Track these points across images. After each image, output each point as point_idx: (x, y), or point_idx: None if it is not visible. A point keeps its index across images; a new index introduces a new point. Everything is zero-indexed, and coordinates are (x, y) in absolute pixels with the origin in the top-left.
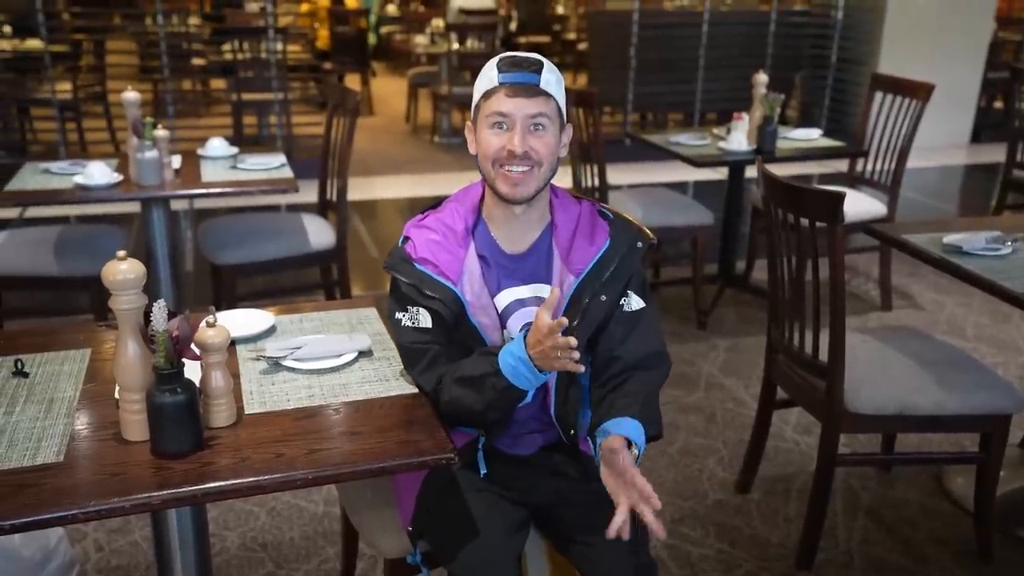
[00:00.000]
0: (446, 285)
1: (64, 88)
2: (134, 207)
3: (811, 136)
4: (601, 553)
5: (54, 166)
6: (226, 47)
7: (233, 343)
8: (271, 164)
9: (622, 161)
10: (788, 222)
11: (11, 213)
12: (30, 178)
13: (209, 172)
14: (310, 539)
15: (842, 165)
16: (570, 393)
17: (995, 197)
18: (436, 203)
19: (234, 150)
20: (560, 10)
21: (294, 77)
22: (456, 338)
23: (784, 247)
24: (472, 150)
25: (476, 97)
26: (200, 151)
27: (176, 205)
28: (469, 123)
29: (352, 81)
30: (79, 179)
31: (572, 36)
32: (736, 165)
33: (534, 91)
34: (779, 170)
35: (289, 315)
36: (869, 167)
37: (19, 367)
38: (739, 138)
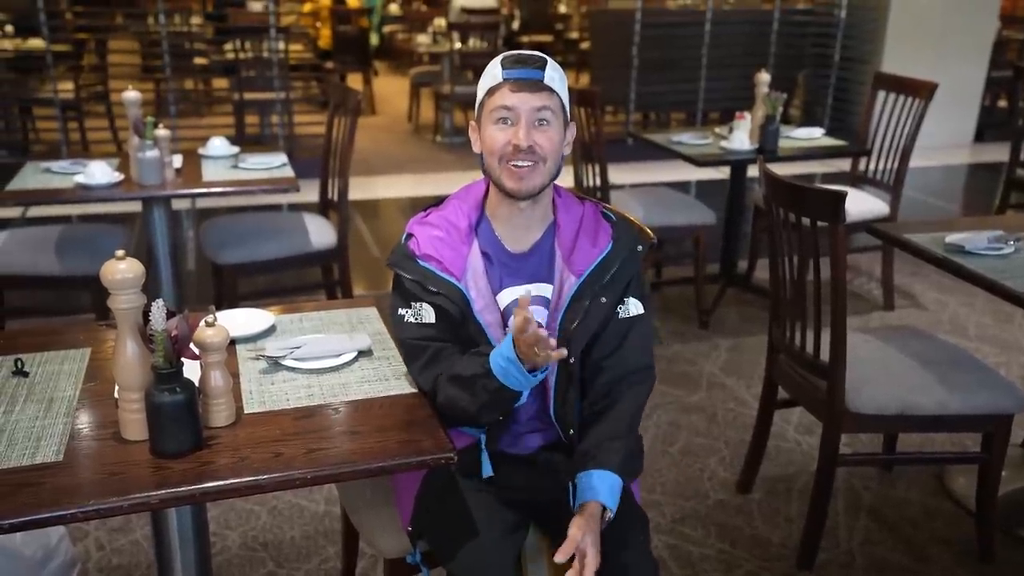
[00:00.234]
0: (450, 281)
1: (66, 87)
2: (136, 206)
3: (813, 135)
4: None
5: (55, 165)
6: (228, 46)
7: (233, 342)
8: (272, 163)
9: (624, 161)
10: (790, 221)
11: (13, 212)
12: (31, 177)
13: (210, 171)
14: (311, 538)
15: (845, 164)
16: (569, 394)
17: (998, 196)
18: (438, 201)
19: (235, 149)
20: (562, 9)
21: (296, 76)
22: (461, 335)
23: (786, 247)
24: (476, 148)
25: (480, 95)
26: (201, 150)
27: (178, 204)
28: (473, 122)
29: (354, 80)
30: (80, 178)
31: (574, 35)
32: (738, 164)
33: (538, 86)
34: (782, 169)
35: (289, 315)
36: (872, 166)
37: (19, 366)
38: (741, 137)
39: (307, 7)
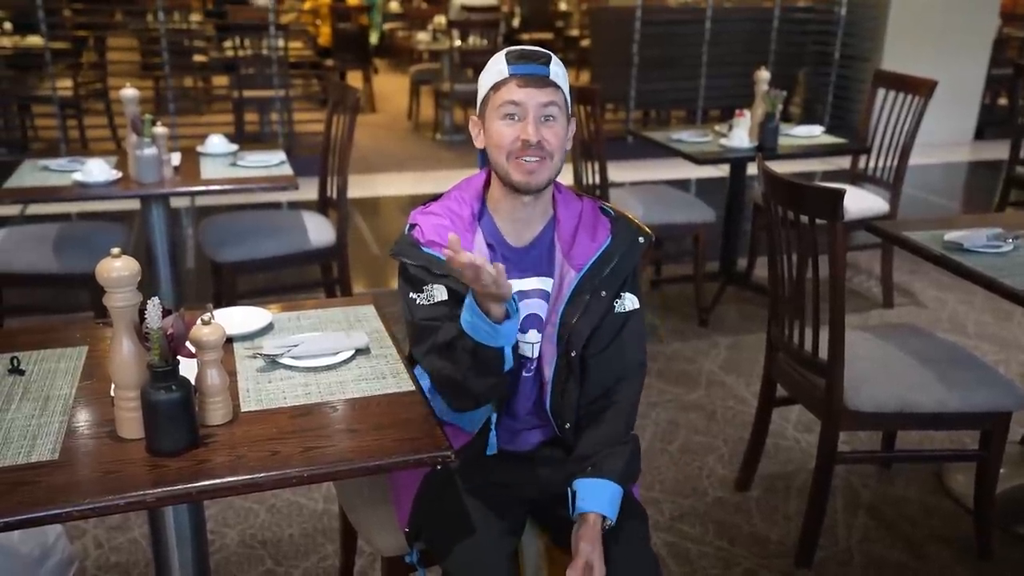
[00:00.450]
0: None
1: (65, 85)
2: (134, 204)
3: (813, 133)
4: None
5: (53, 163)
6: (227, 44)
7: (230, 340)
8: (271, 161)
9: (624, 158)
10: (789, 219)
11: (11, 210)
12: (29, 175)
13: (209, 169)
14: (309, 536)
15: (845, 162)
16: (568, 387)
17: (998, 194)
18: (436, 197)
19: (234, 147)
20: (563, 6)
21: (295, 74)
22: None
23: (785, 244)
24: (479, 144)
25: (484, 90)
26: (200, 148)
27: (177, 202)
28: (474, 117)
29: (354, 78)
30: (78, 176)
31: (575, 33)
32: (738, 162)
33: (544, 81)
34: (781, 167)
35: (287, 312)
36: (872, 164)
37: (15, 364)
38: (741, 135)
39: (307, 4)
